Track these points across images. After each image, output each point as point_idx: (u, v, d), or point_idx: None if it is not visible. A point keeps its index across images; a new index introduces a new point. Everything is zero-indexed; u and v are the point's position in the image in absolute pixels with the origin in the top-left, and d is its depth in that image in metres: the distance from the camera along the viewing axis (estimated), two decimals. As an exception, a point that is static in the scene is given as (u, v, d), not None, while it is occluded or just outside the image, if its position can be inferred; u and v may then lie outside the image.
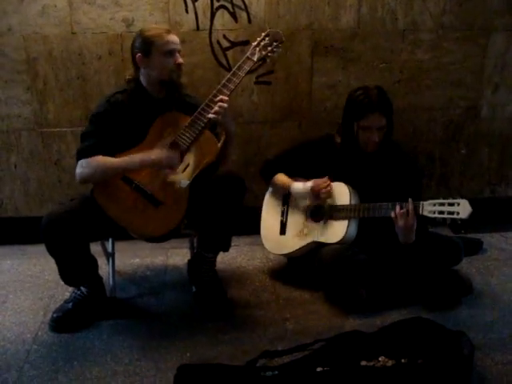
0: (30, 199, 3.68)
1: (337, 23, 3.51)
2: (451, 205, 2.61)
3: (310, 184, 2.95)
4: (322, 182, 2.92)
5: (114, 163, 2.59)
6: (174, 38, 2.65)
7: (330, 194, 2.92)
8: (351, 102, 2.86)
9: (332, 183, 2.95)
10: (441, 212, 2.63)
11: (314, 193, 2.94)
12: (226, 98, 2.62)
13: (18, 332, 2.71)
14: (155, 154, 2.61)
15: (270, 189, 3.22)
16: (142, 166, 2.60)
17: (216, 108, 2.59)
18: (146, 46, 2.61)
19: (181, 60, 2.67)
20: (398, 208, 2.71)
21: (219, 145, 2.74)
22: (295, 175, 3.10)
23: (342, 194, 2.92)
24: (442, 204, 2.64)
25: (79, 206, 2.62)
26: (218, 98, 2.61)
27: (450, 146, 3.87)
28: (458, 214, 2.58)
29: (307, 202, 3.03)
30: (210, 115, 2.59)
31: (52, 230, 2.50)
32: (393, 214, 2.72)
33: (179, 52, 2.67)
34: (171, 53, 2.63)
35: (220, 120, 2.61)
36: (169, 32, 2.65)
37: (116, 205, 2.60)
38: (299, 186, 3.00)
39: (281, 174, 3.11)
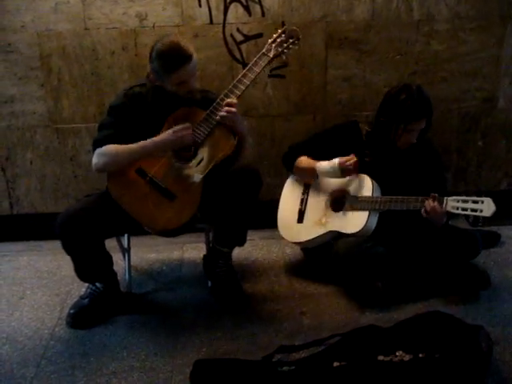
0: (46, 195, 3.70)
1: (351, 15, 3.48)
2: (475, 202, 2.60)
3: (336, 160, 2.88)
4: (349, 158, 2.87)
5: (128, 149, 2.60)
6: (190, 66, 2.56)
7: (356, 169, 2.88)
8: (396, 104, 2.83)
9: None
10: (464, 208, 2.63)
11: (342, 166, 2.87)
12: (235, 102, 2.61)
13: (35, 328, 2.73)
14: (166, 134, 2.61)
15: (291, 177, 3.21)
16: (157, 147, 2.61)
17: (223, 113, 2.59)
18: (161, 74, 2.58)
19: (193, 86, 2.64)
20: (427, 202, 2.72)
21: (234, 141, 2.73)
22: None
23: (364, 185, 2.91)
24: (466, 201, 2.63)
25: (95, 204, 2.63)
26: (225, 102, 2.60)
27: (466, 137, 3.82)
28: (481, 211, 2.57)
29: (332, 182, 3.01)
30: (218, 117, 2.60)
31: (68, 228, 2.51)
32: (424, 213, 2.73)
33: (194, 76, 2.63)
34: (185, 82, 2.61)
35: (228, 124, 2.61)
36: (188, 60, 2.54)
37: (130, 198, 2.61)
38: (325, 164, 2.94)
39: (304, 156, 3.09)
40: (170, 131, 2.61)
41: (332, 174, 2.93)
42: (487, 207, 2.57)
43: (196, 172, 2.63)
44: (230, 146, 2.68)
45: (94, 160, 2.62)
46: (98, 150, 2.62)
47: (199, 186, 2.63)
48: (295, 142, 3.21)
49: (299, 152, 3.11)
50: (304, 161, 3.08)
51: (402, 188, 2.86)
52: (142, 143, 2.60)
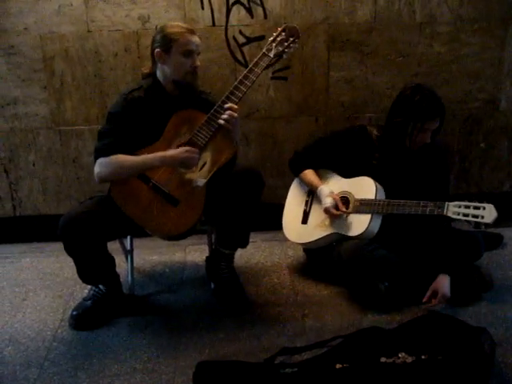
0: (49, 197, 3.70)
1: (353, 17, 3.49)
2: (477, 208, 2.60)
3: (327, 203, 2.92)
4: (336, 212, 2.90)
5: (133, 162, 2.59)
6: (196, 39, 2.63)
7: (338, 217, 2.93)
8: (412, 104, 2.83)
9: (359, 177, 2.97)
10: (465, 214, 2.63)
11: (326, 210, 2.94)
12: (236, 107, 2.61)
13: (37, 329, 2.73)
14: (176, 152, 2.60)
15: (297, 179, 3.22)
16: (163, 164, 2.60)
17: (225, 116, 2.59)
18: (167, 42, 2.60)
19: (198, 63, 2.65)
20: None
21: (236, 145, 2.73)
22: (325, 167, 3.12)
23: (367, 188, 2.91)
24: (468, 207, 2.63)
25: (97, 206, 2.63)
26: (226, 106, 2.60)
27: (468, 139, 3.82)
28: (482, 217, 2.58)
29: (335, 186, 3.03)
30: (221, 121, 2.59)
31: (70, 230, 2.51)
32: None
33: (198, 54, 2.66)
34: (190, 53, 2.61)
35: (230, 129, 2.61)
36: (192, 32, 2.63)
37: (133, 204, 2.60)
38: (323, 194, 2.98)
39: (310, 170, 3.11)
40: (182, 149, 2.60)
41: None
42: (489, 213, 2.57)
43: (199, 176, 2.62)
44: (232, 149, 2.68)
45: (97, 169, 2.61)
46: (101, 160, 2.60)
47: (203, 191, 2.62)
48: (301, 146, 3.22)
49: (306, 159, 3.13)
50: (309, 176, 3.10)
51: (408, 191, 2.87)
52: (148, 156, 2.59)
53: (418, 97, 2.82)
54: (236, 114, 2.60)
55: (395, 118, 2.91)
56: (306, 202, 3.13)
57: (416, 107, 2.81)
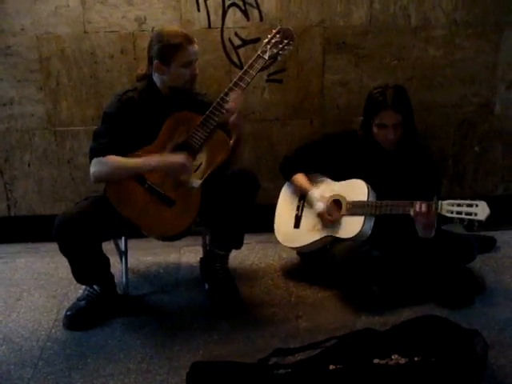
0: (44, 197, 3.70)
1: (349, 20, 3.50)
2: (470, 206, 2.61)
3: (320, 207, 2.93)
4: (330, 218, 2.91)
5: (129, 164, 2.60)
6: (195, 48, 2.63)
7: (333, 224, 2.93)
8: (369, 99, 2.92)
9: (350, 180, 2.97)
10: (459, 212, 2.63)
11: (320, 217, 2.95)
12: (234, 107, 2.63)
13: (32, 329, 2.73)
14: (172, 158, 2.61)
15: (288, 183, 3.22)
16: (157, 169, 2.61)
17: (229, 105, 2.59)
18: (166, 55, 2.59)
19: (197, 71, 2.67)
20: (418, 206, 2.70)
21: (231, 145, 2.73)
22: (316, 170, 3.13)
23: (359, 190, 2.92)
24: (461, 205, 2.64)
25: (92, 206, 2.63)
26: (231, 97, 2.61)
27: (463, 143, 3.84)
28: (475, 215, 2.58)
29: (327, 188, 3.04)
30: (224, 110, 2.60)
31: (65, 230, 2.51)
32: (412, 213, 2.72)
33: (196, 61, 2.67)
34: (189, 64, 2.62)
35: (233, 120, 2.62)
36: (191, 42, 2.61)
37: (129, 205, 2.60)
38: (314, 197, 2.99)
39: (300, 174, 3.11)
40: (181, 156, 2.60)
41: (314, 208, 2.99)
42: (482, 211, 2.58)
43: (195, 177, 2.63)
44: (228, 149, 2.69)
45: (92, 169, 2.62)
46: (97, 160, 2.61)
47: (198, 192, 2.63)
48: (292, 149, 3.23)
49: (296, 163, 3.13)
50: (300, 180, 3.10)
51: (398, 193, 2.87)
52: (143, 160, 2.60)
53: (374, 92, 2.89)
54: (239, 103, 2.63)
55: (363, 117, 2.98)
56: (298, 206, 3.12)
57: (370, 102, 2.89)
